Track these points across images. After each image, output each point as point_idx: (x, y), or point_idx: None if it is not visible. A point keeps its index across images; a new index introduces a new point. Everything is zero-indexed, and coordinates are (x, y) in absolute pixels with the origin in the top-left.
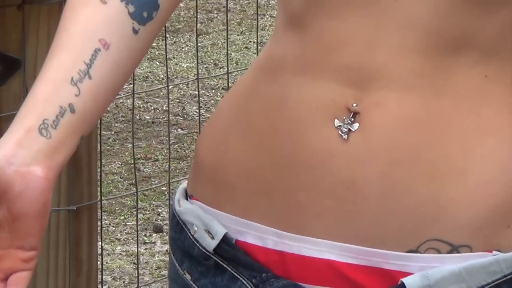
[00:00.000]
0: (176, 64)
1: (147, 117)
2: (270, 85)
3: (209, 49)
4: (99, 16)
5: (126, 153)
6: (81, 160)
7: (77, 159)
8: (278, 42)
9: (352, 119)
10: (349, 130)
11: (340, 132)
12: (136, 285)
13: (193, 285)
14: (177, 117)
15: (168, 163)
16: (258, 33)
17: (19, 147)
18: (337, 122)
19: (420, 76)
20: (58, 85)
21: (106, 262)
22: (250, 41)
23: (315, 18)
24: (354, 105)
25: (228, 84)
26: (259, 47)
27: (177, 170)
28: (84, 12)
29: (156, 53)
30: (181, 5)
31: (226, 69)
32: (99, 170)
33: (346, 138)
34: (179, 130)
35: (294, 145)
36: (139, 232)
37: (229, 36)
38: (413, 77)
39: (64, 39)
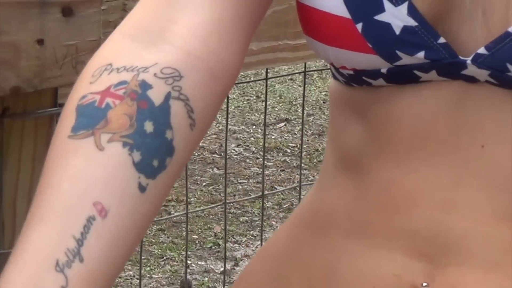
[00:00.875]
0: None
1: None
2: (315, 249)
3: (251, 78)
4: (94, 169)
5: None
6: None
7: None
8: (326, 191)
9: None
10: None
11: None
12: None
13: None
14: (213, 155)
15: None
16: (306, 64)
17: None
18: None
19: (511, 251)
20: (39, 272)
21: None
22: (296, 71)
23: (375, 164)
24: (424, 284)
25: (265, 120)
26: (306, 80)
27: (210, 216)
28: (73, 162)
29: None
30: None
31: (268, 102)
32: None
33: None
34: (215, 169)
35: None
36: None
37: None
38: (501, 252)
39: (47, 202)
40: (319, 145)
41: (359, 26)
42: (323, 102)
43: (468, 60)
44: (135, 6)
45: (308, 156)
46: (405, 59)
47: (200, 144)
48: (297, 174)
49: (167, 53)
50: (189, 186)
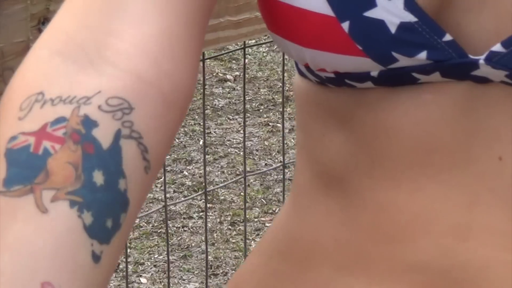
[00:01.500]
0: None
1: None
2: (299, 286)
3: None
4: (39, 237)
5: None
6: None
7: None
8: (303, 214)
9: None
10: None
11: None
12: None
13: None
14: None
15: None
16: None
17: None
18: None
19: None
20: None
21: None
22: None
23: (367, 181)
24: None
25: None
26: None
27: None
28: (13, 229)
29: None
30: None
31: None
32: None
33: None
34: None
35: None
36: None
37: None
38: None
39: None
40: None
41: (345, 25)
42: None
43: (481, 60)
44: (60, 10)
45: None
46: (403, 61)
47: None
48: None
49: (111, 78)
50: None
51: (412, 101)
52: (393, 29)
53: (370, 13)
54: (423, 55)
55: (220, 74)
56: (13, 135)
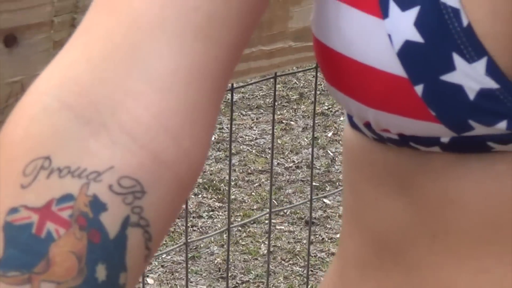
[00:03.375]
0: None
1: None
2: None
3: None
4: None
5: None
6: None
7: None
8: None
9: None
10: None
11: None
12: None
13: None
14: None
15: None
16: None
17: None
18: None
19: None
20: None
21: None
22: None
23: (428, 257)
24: None
25: None
26: None
27: None
28: None
29: None
30: None
31: None
32: None
33: None
34: None
35: None
36: None
37: None
38: None
39: None
40: None
41: (418, 88)
42: None
43: None
44: (74, 43)
45: None
46: (479, 130)
47: None
48: None
49: (126, 152)
50: None
51: (484, 171)
52: (472, 96)
53: (448, 77)
54: (503, 124)
55: None
56: (14, 207)
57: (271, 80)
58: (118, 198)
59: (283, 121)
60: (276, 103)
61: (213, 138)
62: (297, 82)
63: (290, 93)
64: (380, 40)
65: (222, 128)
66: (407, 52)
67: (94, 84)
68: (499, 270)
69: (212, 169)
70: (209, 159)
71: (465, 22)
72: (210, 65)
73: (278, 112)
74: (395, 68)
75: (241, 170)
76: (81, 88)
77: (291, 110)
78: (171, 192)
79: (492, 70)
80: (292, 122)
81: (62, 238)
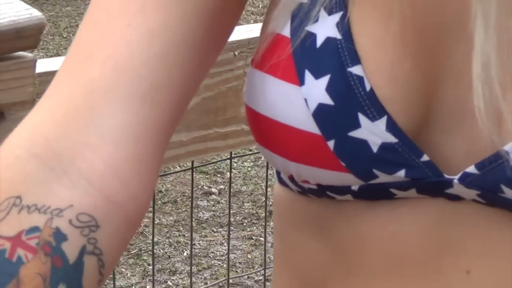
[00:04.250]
0: None
1: None
2: None
3: None
4: None
5: None
6: None
7: None
8: None
9: None
10: None
11: None
12: None
13: None
14: None
15: None
16: None
17: None
18: None
19: None
20: None
21: None
22: None
23: None
24: None
25: None
26: None
27: None
28: None
29: None
30: None
31: None
32: None
33: None
34: None
35: None
36: None
37: None
38: None
39: None
40: (163, 186)
41: (330, 143)
42: None
43: (455, 179)
44: (41, 105)
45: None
46: (382, 178)
47: None
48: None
49: (83, 193)
50: None
51: (388, 214)
52: (375, 149)
53: (355, 133)
54: (401, 173)
55: (205, 187)
56: None
57: (241, 198)
58: (76, 230)
59: (253, 237)
60: (245, 220)
61: (185, 254)
62: (267, 201)
63: (260, 210)
64: (298, 104)
65: (194, 244)
66: (320, 113)
67: (58, 138)
68: None
69: (184, 282)
70: (182, 273)
71: (368, 87)
72: (155, 124)
73: (248, 229)
74: (311, 126)
75: (213, 284)
76: (47, 142)
77: (260, 227)
78: (120, 227)
79: (392, 127)
80: (261, 238)
81: (30, 262)
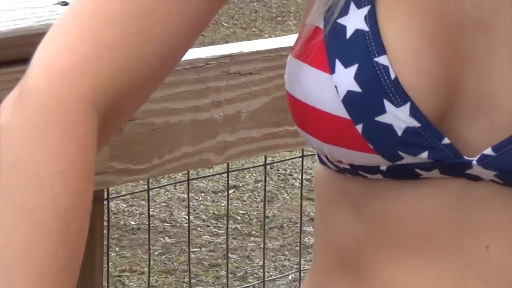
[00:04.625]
0: None
1: (132, 223)
2: None
3: None
4: None
5: (110, 264)
6: None
7: None
8: None
9: None
10: None
11: None
12: None
13: None
14: (164, 224)
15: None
16: None
17: None
18: None
19: None
20: None
21: None
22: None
23: (374, 263)
24: None
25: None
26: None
27: (165, 286)
28: None
29: None
30: None
31: (216, 169)
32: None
33: None
34: (166, 238)
35: None
36: None
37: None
38: None
39: None
40: (270, 211)
41: (359, 127)
42: (270, 168)
43: (474, 161)
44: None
45: (259, 223)
46: (407, 159)
47: (150, 212)
48: (249, 242)
49: None
50: (141, 256)
51: (414, 193)
52: (399, 132)
53: (381, 118)
54: (424, 154)
55: (311, 213)
56: None
57: None
58: None
59: None
60: None
61: (289, 277)
62: None
63: None
64: (329, 90)
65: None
66: (349, 99)
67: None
68: (429, 270)
69: None
70: None
71: (392, 76)
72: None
73: None
74: (341, 111)
75: None
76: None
77: None
78: None
79: (415, 112)
80: None
81: None
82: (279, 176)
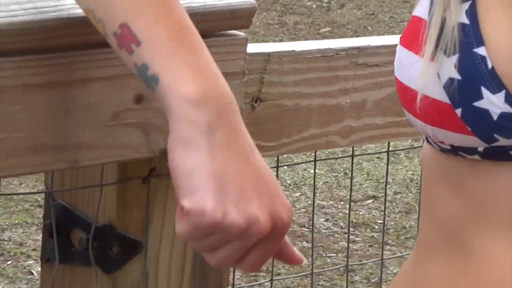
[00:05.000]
0: (304, 169)
1: None
2: None
3: (339, 154)
4: None
5: None
6: None
7: None
8: (425, 264)
9: None
10: None
11: None
12: None
13: None
14: (302, 228)
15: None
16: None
17: None
18: None
19: None
20: None
21: None
22: (382, 150)
23: (474, 238)
24: None
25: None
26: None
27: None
28: None
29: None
30: None
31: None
32: None
33: None
34: (304, 242)
35: None
36: None
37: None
38: None
39: None
40: (406, 222)
41: (458, 111)
42: (410, 181)
43: None
44: None
45: (395, 233)
46: (502, 141)
47: None
48: (385, 250)
49: None
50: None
51: (509, 175)
52: (495, 117)
53: (478, 103)
54: None
55: None
56: None
57: None
58: None
59: None
60: None
61: None
62: None
63: None
64: (432, 76)
65: None
66: (449, 85)
67: None
68: None
69: None
70: None
71: (489, 65)
72: None
73: None
74: (442, 96)
75: None
76: None
77: None
78: None
79: (509, 99)
80: None
81: None
82: (418, 189)
